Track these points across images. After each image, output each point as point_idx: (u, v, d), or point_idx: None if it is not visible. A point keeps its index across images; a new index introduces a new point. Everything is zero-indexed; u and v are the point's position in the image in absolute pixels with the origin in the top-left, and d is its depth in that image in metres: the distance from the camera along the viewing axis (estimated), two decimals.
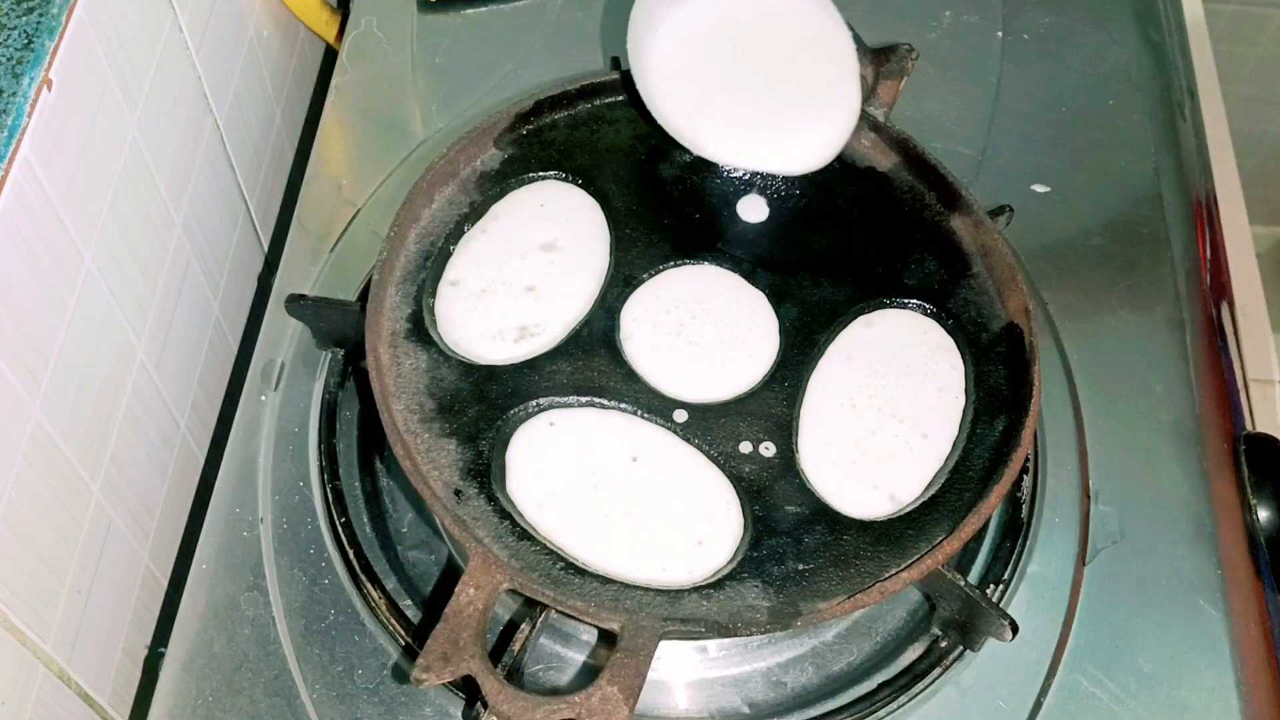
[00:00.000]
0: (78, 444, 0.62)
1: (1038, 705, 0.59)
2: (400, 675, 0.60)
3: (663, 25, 0.66)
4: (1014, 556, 0.63)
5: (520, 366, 0.63)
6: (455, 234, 0.67)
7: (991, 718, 0.59)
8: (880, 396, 0.62)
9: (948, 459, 0.60)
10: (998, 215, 0.70)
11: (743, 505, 0.58)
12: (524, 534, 0.56)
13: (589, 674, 0.60)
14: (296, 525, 0.65)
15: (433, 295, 0.65)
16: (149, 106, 0.69)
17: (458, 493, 0.58)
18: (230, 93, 0.82)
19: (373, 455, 0.69)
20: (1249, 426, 0.73)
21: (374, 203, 0.77)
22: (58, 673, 0.61)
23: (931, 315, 0.66)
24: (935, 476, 0.60)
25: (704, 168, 0.71)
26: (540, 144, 0.72)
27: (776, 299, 0.66)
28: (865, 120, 0.71)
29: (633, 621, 0.52)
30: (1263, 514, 0.67)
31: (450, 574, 0.64)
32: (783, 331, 0.65)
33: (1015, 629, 0.55)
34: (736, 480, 0.59)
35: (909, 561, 0.56)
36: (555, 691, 0.60)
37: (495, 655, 0.55)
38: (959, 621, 0.58)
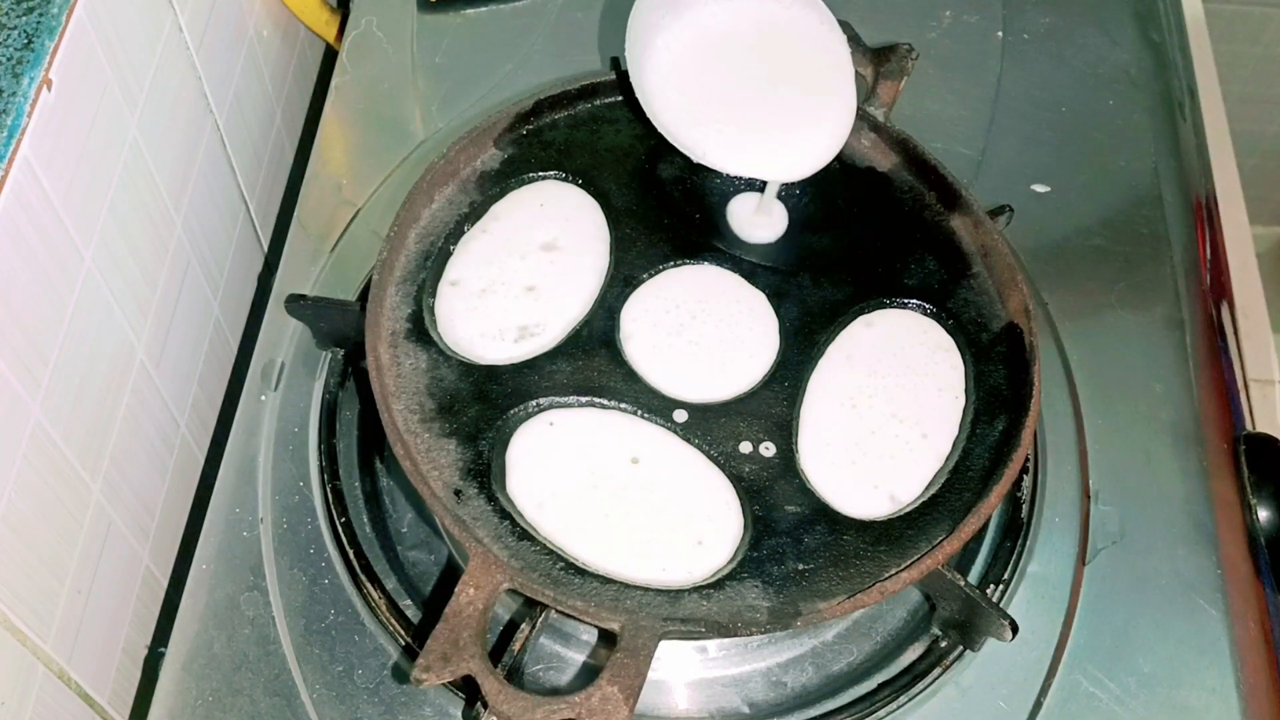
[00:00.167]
0: (78, 444, 0.62)
1: (1038, 705, 0.59)
2: (400, 675, 0.60)
3: (661, 36, 0.66)
4: (1014, 556, 0.63)
5: (520, 366, 0.63)
6: (455, 234, 0.67)
7: (991, 718, 0.59)
8: (880, 396, 0.62)
9: (948, 459, 0.60)
10: (998, 215, 0.70)
11: (743, 505, 0.58)
12: (524, 534, 0.56)
13: (589, 674, 0.60)
14: (296, 525, 0.65)
15: (433, 295, 0.65)
16: (149, 106, 0.69)
17: (458, 493, 0.58)
18: (230, 93, 0.82)
19: (373, 455, 0.69)
20: (1249, 426, 0.73)
21: (374, 203, 0.77)
22: (58, 673, 0.61)
23: (931, 315, 0.66)
24: (935, 476, 0.60)
25: (704, 168, 0.71)
26: (540, 144, 0.72)
27: (776, 299, 0.66)
28: (865, 120, 0.71)
29: (633, 621, 0.52)
30: (1263, 514, 0.67)
31: (450, 574, 0.64)
32: (783, 331, 0.65)
33: (1015, 629, 0.55)
34: (736, 480, 0.59)
35: (909, 561, 0.56)
36: (555, 691, 0.60)
37: (495, 655, 0.55)
38: (959, 621, 0.58)
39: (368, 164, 0.80)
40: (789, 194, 0.71)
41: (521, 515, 0.57)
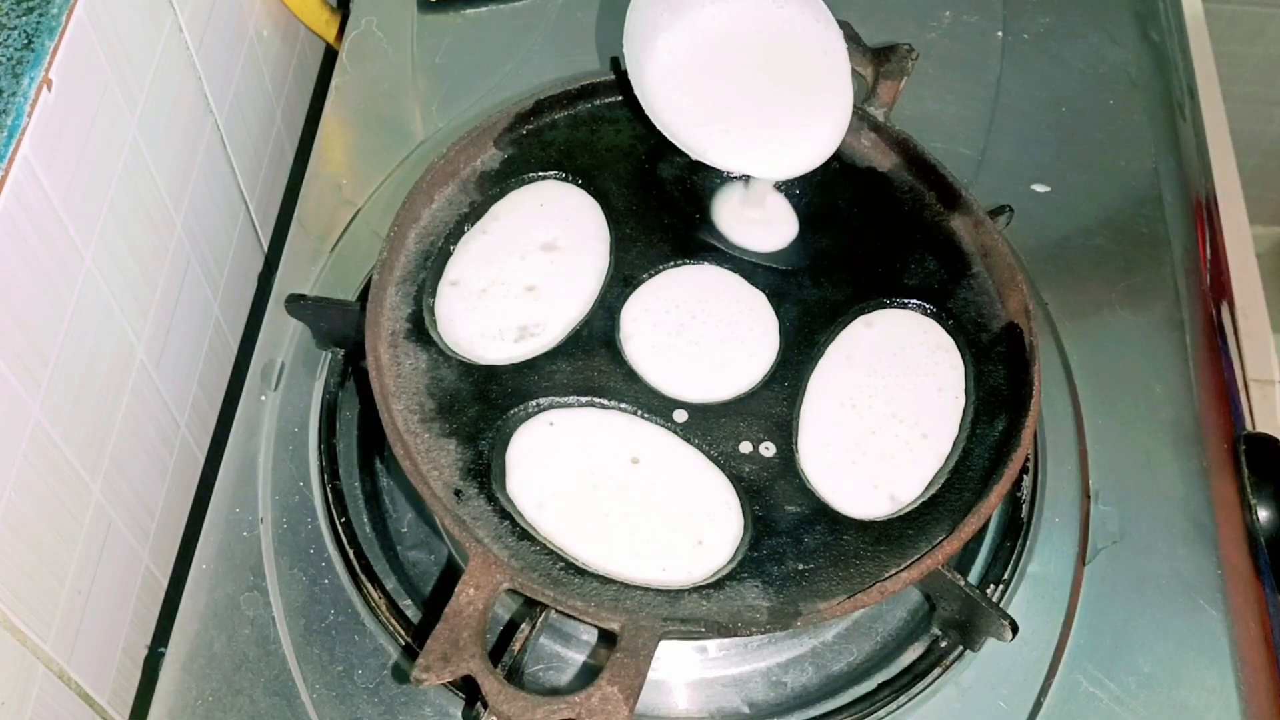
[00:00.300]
0: (78, 444, 0.62)
1: (1038, 705, 0.59)
2: (400, 675, 0.60)
3: (660, 37, 0.66)
4: (1014, 556, 0.63)
5: (520, 366, 0.63)
6: (455, 234, 0.67)
7: (991, 718, 0.59)
8: (880, 396, 0.62)
9: (948, 459, 0.60)
10: (998, 215, 0.70)
11: (743, 505, 0.58)
12: (524, 534, 0.56)
13: (589, 674, 0.60)
14: (296, 525, 0.65)
15: (433, 295, 0.65)
16: (149, 106, 0.69)
17: (458, 493, 0.58)
18: (230, 93, 0.82)
19: (373, 455, 0.69)
20: (1249, 426, 0.73)
21: (374, 203, 0.77)
22: (58, 673, 0.61)
23: (931, 315, 0.66)
24: (935, 476, 0.60)
25: (704, 167, 0.71)
26: (540, 144, 0.72)
27: (776, 299, 0.66)
28: (865, 120, 0.71)
29: (633, 621, 0.52)
30: (1263, 514, 0.67)
31: (450, 574, 0.64)
32: (783, 331, 0.65)
33: (1015, 629, 0.55)
34: (736, 480, 0.59)
35: (909, 561, 0.56)
36: (555, 691, 0.60)
37: (495, 655, 0.55)
38: (959, 621, 0.58)
39: (368, 164, 0.80)
40: (790, 195, 0.71)
41: (521, 515, 0.57)
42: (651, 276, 0.67)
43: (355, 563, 0.62)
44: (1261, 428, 0.74)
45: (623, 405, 0.61)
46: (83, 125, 0.61)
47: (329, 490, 0.65)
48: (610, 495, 0.58)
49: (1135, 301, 0.74)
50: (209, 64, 0.77)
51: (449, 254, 0.67)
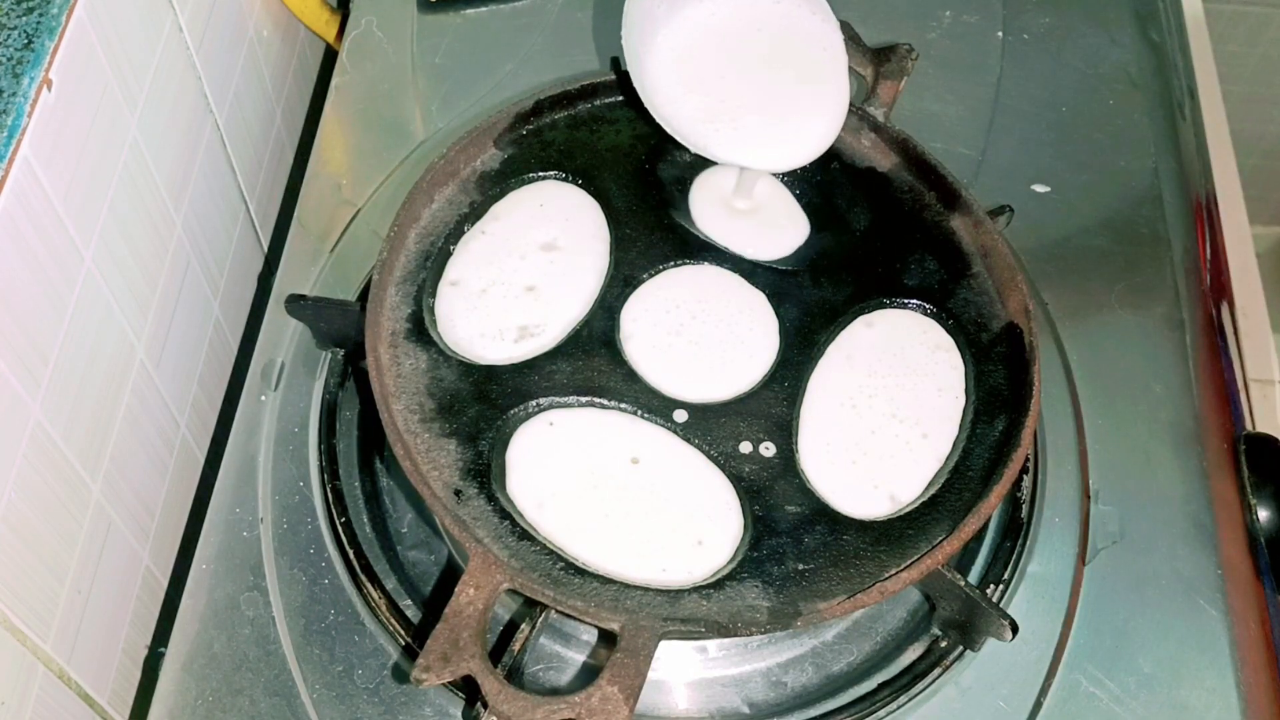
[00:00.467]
0: (78, 444, 0.62)
1: (1038, 705, 0.59)
2: (400, 675, 0.60)
3: (659, 30, 0.66)
4: (1014, 556, 0.63)
5: (520, 366, 0.63)
6: (455, 234, 0.67)
7: (991, 718, 0.59)
8: (880, 396, 0.62)
9: (948, 459, 0.60)
10: (998, 215, 0.70)
11: (743, 505, 0.58)
12: (524, 534, 0.56)
13: (589, 674, 0.60)
14: (296, 525, 0.65)
15: (433, 295, 0.65)
16: (149, 106, 0.69)
17: (458, 493, 0.58)
18: (230, 93, 0.82)
19: (373, 455, 0.69)
20: (1249, 426, 0.73)
21: (374, 203, 0.77)
22: (58, 673, 0.61)
23: (931, 315, 0.66)
24: (935, 476, 0.60)
25: (704, 167, 0.71)
26: (540, 144, 0.72)
27: (776, 299, 0.66)
28: (865, 120, 0.71)
29: (633, 621, 0.52)
30: (1263, 514, 0.67)
31: (450, 574, 0.64)
32: (783, 331, 0.65)
33: (1015, 629, 0.55)
34: (736, 480, 0.59)
35: (909, 561, 0.56)
36: (555, 691, 0.60)
37: (495, 655, 0.55)
38: (959, 621, 0.58)
39: (368, 164, 0.80)
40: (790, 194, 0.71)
41: (521, 515, 0.57)
42: (651, 276, 0.67)
43: (355, 563, 0.62)
44: (1261, 428, 0.74)
45: (623, 405, 0.61)
46: (83, 125, 0.61)
47: (329, 490, 0.65)
48: (610, 495, 0.58)
49: (1135, 301, 0.74)
50: (209, 64, 0.77)
51: (449, 254, 0.67)
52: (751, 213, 0.70)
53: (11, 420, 0.56)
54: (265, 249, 0.91)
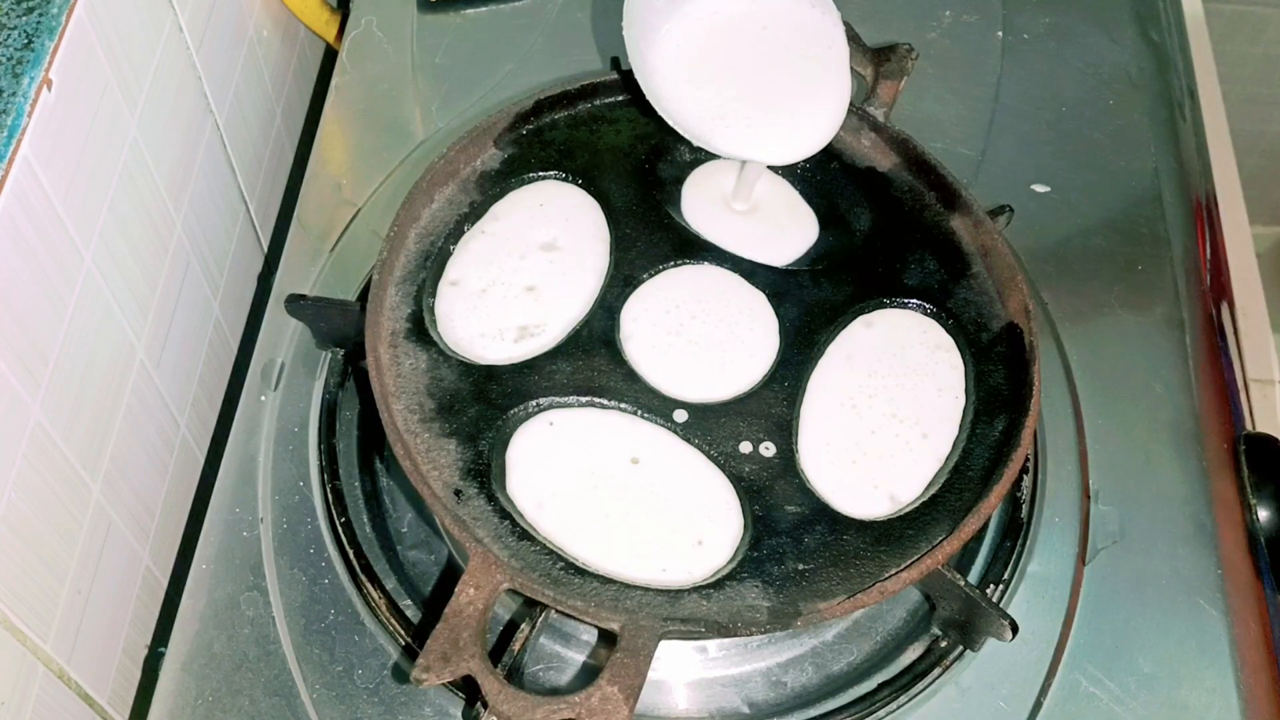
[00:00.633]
0: (78, 444, 0.62)
1: (1038, 705, 0.59)
2: (400, 675, 0.60)
3: (661, 22, 0.66)
4: (1014, 556, 0.63)
5: (520, 366, 0.63)
6: (455, 234, 0.67)
7: (991, 718, 0.59)
8: (880, 396, 0.62)
9: (948, 459, 0.60)
10: (998, 215, 0.70)
11: (743, 505, 0.58)
12: (524, 534, 0.56)
13: (589, 674, 0.60)
14: (296, 525, 0.65)
15: (433, 295, 0.65)
16: (149, 106, 0.69)
17: (458, 493, 0.58)
18: (230, 93, 0.82)
19: (373, 455, 0.69)
20: (1249, 426, 0.73)
21: (374, 203, 0.77)
22: (58, 673, 0.61)
23: (931, 315, 0.66)
24: (935, 476, 0.60)
25: (701, 165, 0.71)
26: (540, 144, 0.72)
27: (776, 299, 0.66)
28: (865, 120, 0.71)
29: (633, 621, 0.52)
30: (1263, 514, 0.67)
31: (450, 574, 0.64)
32: (783, 331, 0.65)
33: (1015, 629, 0.55)
34: (736, 480, 0.59)
35: (909, 561, 0.56)
36: (555, 691, 0.60)
37: (495, 655, 0.55)
38: (959, 621, 0.58)
39: (368, 164, 0.80)
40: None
41: (521, 515, 0.57)
42: (651, 276, 0.67)
43: (355, 563, 0.62)
44: (1261, 428, 0.74)
45: (623, 405, 0.61)
46: (83, 125, 0.61)
47: (329, 490, 0.65)
48: (610, 495, 0.58)
49: (1135, 301, 0.74)
50: (209, 64, 0.77)
51: (449, 254, 0.67)
52: (753, 214, 0.70)
53: (11, 420, 0.56)
54: (265, 249, 0.91)
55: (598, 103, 0.74)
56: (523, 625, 0.57)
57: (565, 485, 0.59)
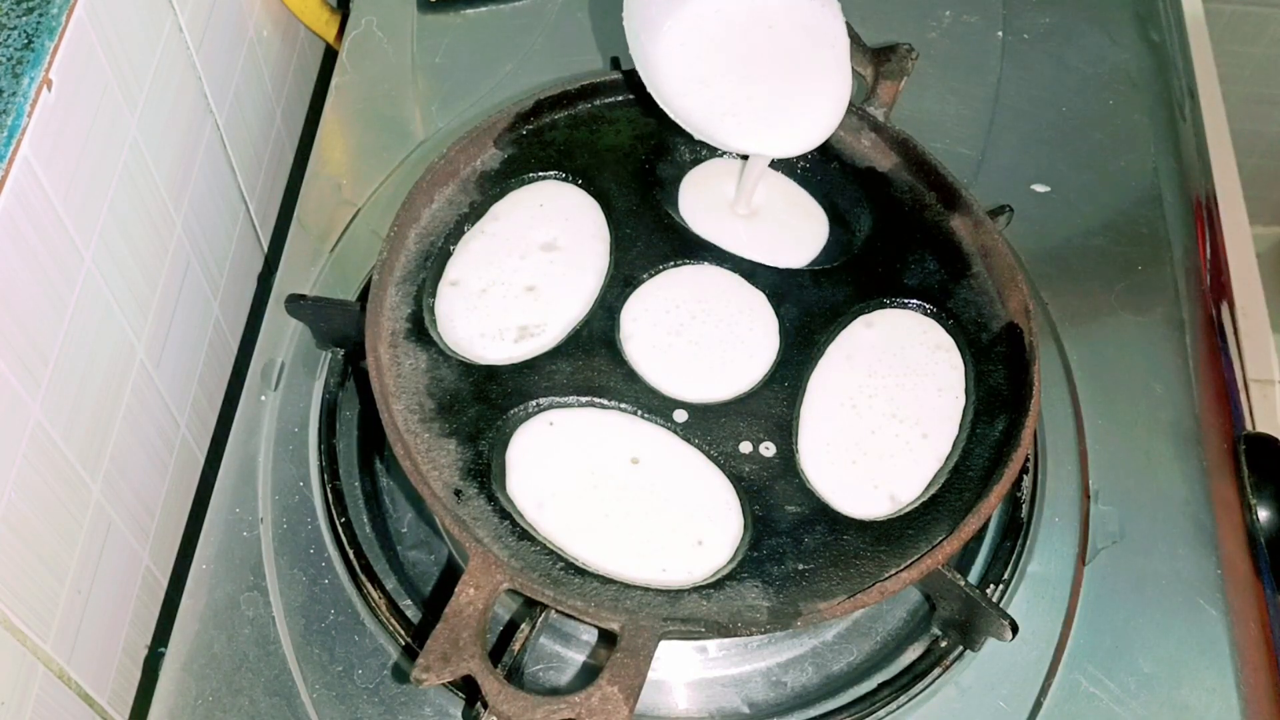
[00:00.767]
0: (78, 444, 0.62)
1: (1038, 705, 0.59)
2: (400, 675, 0.60)
3: (666, 19, 0.67)
4: (1014, 556, 0.63)
5: (520, 366, 0.63)
6: (455, 234, 0.67)
7: (991, 718, 0.59)
8: (880, 396, 0.62)
9: (948, 459, 0.60)
10: (998, 215, 0.70)
11: (743, 505, 0.58)
12: (524, 534, 0.56)
13: (589, 674, 0.60)
14: (296, 525, 0.65)
15: (433, 295, 0.65)
16: (149, 106, 0.69)
17: (458, 493, 0.58)
18: (230, 93, 0.82)
19: (373, 455, 0.69)
20: (1249, 426, 0.73)
21: (374, 203, 0.77)
22: (58, 673, 0.61)
23: (931, 315, 0.66)
24: (935, 476, 0.60)
25: (699, 164, 0.71)
26: (540, 144, 0.72)
27: (776, 299, 0.66)
28: (865, 120, 0.71)
29: (633, 621, 0.52)
30: (1263, 514, 0.67)
31: (450, 574, 0.64)
32: (783, 331, 0.65)
33: (1015, 629, 0.55)
34: (736, 480, 0.59)
35: (909, 561, 0.56)
36: (555, 691, 0.60)
37: (495, 655, 0.55)
38: (959, 621, 0.58)
39: (368, 164, 0.80)
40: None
41: (521, 515, 0.57)
42: (651, 276, 0.67)
43: (355, 563, 0.62)
44: (1261, 428, 0.74)
45: (623, 405, 0.61)
46: (83, 125, 0.61)
47: (329, 490, 0.65)
48: (610, 495, 0.58)
49: (1135, 302, 0.74)
50: (209, 64, 0.77)
51: (449, 254, 0.67)
52: (754, 217, 0.70)
53: (11, 420, 0.56)
54: (265, 249, 0.91)
55: (598, 103, 0.74)
56: (523, 625, 0.57)
57: (565, 485, 0.59)
